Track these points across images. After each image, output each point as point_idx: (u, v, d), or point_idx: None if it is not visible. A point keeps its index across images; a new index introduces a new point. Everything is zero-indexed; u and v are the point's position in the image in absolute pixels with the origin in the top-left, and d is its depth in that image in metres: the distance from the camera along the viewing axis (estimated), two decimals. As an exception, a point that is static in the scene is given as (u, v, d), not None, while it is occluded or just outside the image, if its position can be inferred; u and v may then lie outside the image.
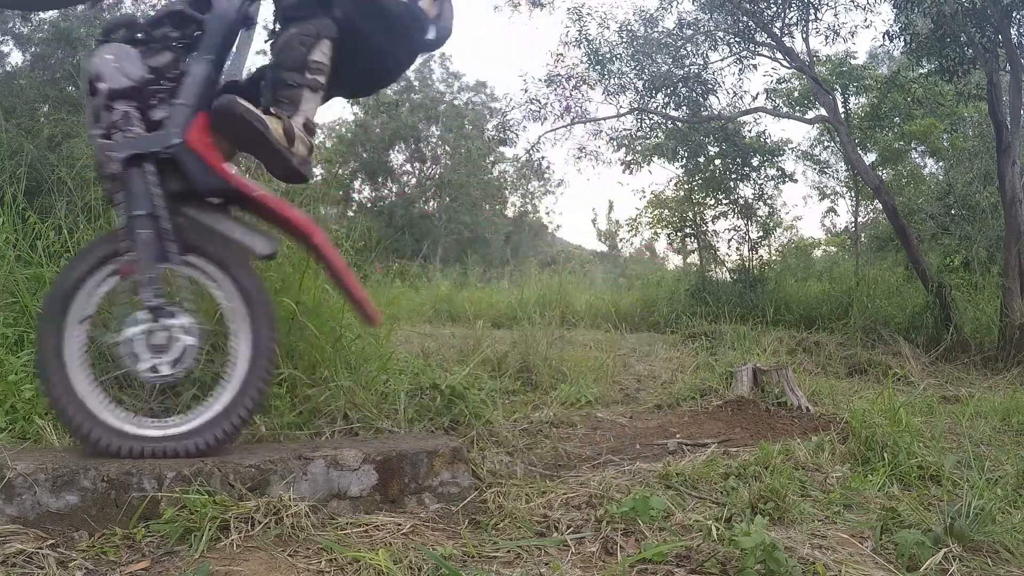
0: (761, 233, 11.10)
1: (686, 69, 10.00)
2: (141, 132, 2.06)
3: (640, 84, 10.38)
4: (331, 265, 2.28)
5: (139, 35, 2.14)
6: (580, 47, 10.62)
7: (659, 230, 12.59)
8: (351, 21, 2.26)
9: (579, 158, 11.71)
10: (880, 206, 9.66)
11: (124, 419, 2.08)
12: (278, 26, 2.35)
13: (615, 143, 11.52)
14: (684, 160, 10.94)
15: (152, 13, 2.19)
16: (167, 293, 2.09)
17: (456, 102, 24.15)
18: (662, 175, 42.72)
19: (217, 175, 2.10)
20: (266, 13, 2.44)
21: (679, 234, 12.29)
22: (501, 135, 11.97)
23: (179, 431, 2.09)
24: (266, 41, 2.41)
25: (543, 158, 12.45)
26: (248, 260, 2.17)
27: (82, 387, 2.06)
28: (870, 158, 11.96)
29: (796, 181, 14.66)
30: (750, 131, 11.22)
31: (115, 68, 2.03)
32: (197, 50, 2.15)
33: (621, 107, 10.92)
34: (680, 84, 9.90)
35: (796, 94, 11.63)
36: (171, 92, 2.11)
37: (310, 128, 2.21)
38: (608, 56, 10.42)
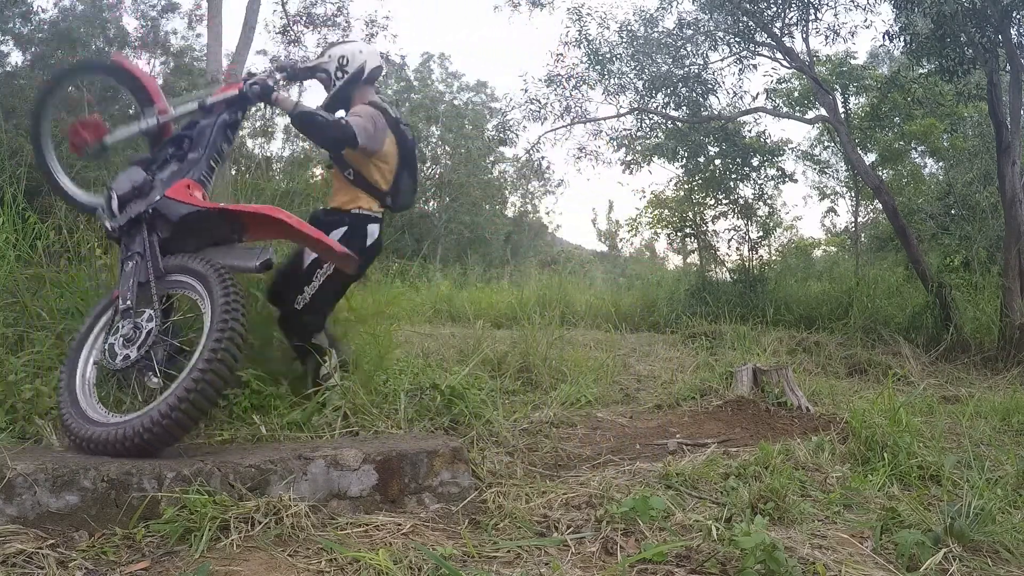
0: (761, 233, 11.10)
1: (686, 69, 10.00)
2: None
3: (640, 84, 10.38)
4: (305, 234, 2.59)
5: (151, 162, 2.87)
6: (580, 47, 10.62)
7: (659, 230, 12.59)
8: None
9: (579, 158, 11.72)
10: (880, 206, 9.67)
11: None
12: None
13: (615, 143, 11.53)
14: (684, 160, 10.93)
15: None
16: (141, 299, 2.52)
17: (456, 102, 24.16)
18: (662, 175, 42.70)
19: (187, 204, 2.63)
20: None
21: (679, 234, 12.29)
22: (501, 135, 11.97)
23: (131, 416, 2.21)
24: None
25: (543, 158, 12.46)
26: (226, 274, 2.45)
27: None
28: (870, 158, 11.96)
29: (796, 181, 14.68)
30: (750, 131, 11.22)
31: (125, 178, 2.77)
32: (190, 152, 2.89)
33: (621, 107, 10.94)
34: (680, 84, 9.90)
35: (796, 94, 11.63)
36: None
37: None
38: (608, 56, 10.42)
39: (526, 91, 11.25)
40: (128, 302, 2.45)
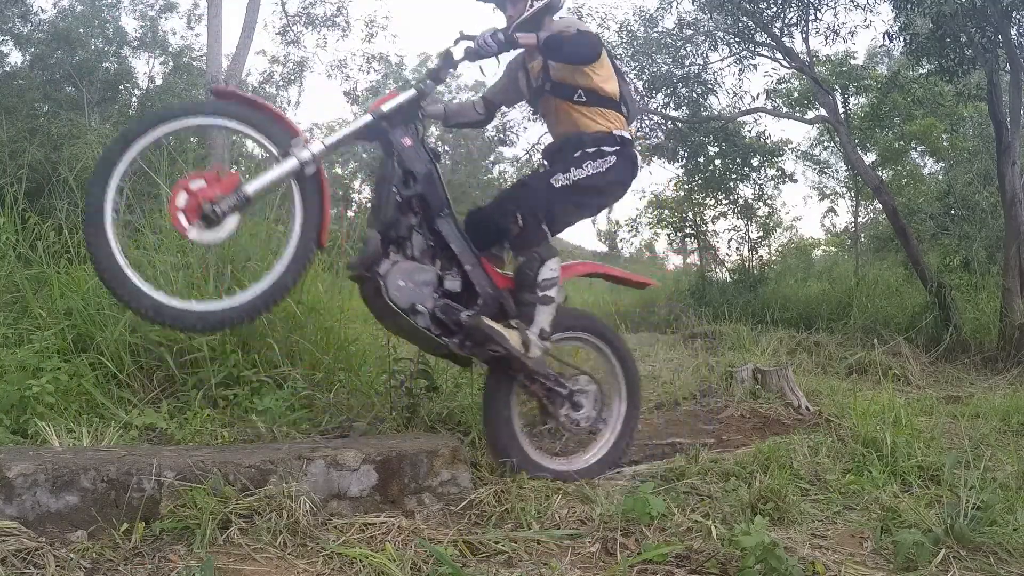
0: (761, 233, 11.13)
1: (686, 69, 10.00)
2: None
3: (640, 84, 10.39)
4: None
5: None
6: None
7: (659, 230, 12.61)
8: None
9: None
10: (880, 206, 9.67)
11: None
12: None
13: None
14: (684, 160, 10.94)
15: None
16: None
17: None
18: (662, 175, 42.57)
19: None
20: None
21: (679, 234, 12.30)
22: (501, 135, 11.97)
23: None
24: None
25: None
26: None
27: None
28: (870, 158, 11.96)
29: (796, 181, 14.70)
30: (750, 131, 11.23)
31: None
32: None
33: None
34: (680, 84, 9.90)
35: (796, 94, 11.64)
36: None
37: (544, 335, 2.63)
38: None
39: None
40: None
